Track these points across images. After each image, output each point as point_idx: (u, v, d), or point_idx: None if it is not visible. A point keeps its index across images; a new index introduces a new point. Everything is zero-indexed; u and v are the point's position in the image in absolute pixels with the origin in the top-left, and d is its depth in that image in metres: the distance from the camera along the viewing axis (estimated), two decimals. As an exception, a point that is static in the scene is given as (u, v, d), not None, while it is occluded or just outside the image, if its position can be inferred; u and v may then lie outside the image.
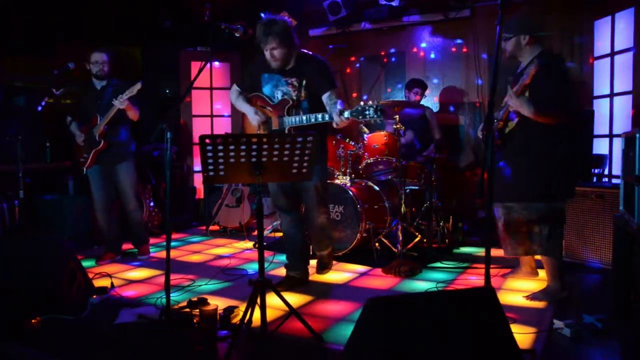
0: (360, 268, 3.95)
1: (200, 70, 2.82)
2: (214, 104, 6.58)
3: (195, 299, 3.01)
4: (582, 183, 3.79)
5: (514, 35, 3.03)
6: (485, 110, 5.19)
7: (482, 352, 1.77)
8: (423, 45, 5.62)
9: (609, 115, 4.50)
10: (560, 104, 2.81)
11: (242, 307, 2.70)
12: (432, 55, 5.58)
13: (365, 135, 4.56)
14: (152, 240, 5.16)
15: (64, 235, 4.64)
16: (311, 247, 3.87)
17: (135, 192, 4.29)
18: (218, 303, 2.80)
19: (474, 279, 3.63)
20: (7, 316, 2.75)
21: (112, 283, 3.48)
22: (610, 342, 2.48)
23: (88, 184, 4.27)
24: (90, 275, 3.43)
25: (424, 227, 4.57)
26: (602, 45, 4.60)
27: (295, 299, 3.17)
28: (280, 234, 5.18)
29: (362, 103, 2.86)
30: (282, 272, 3.61)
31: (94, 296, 3.13)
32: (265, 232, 5.10)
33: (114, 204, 4.32)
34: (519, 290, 3.30)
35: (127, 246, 4.57)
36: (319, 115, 3.06)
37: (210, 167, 2.32)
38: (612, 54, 4.45)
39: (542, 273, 3.57)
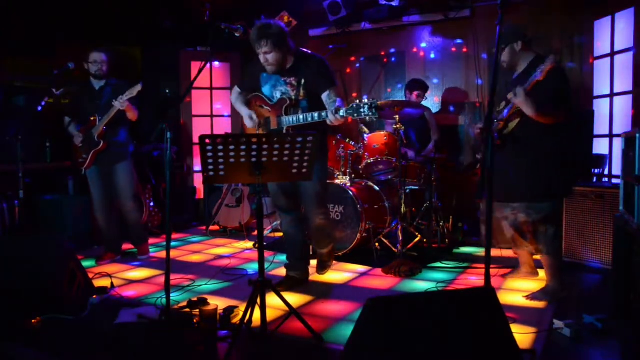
0: (360, 268, 3.95)
1: (200, 70, 2.82)
2: (214, 104, 6.58)
3: (195, 299, 3.01)
4: (582, 183, 3.79)
5: (507, 45, 3.09)
6: (485, 110, 5.19)
7: (482, 352, 1.77)
8: (423, 45, 5.62)
9: (609, 115, 4.50)
10: (560, 105, 2.85)
11: (242, 307, 2.70)
12: (432, 55, 5.58)
13: (365, 135, 4.56)
14: (152, 240, 5.16)
15: (64, 235, 4.64)
16: (311, 247, 3.87)
17: (133, 193, 4.27)
18: (218, 303, 2.81)
19: (474, 279, 3.63)
20: (7, 316, 2.75)
21: (112, 283, 3.48)
22: (610, 342, 2.48)
23: (87, 184, 4.27)
24: (90, 275, 3.42)
25: (424, 227, 4.57)
26: (602, 45, 4.60)
27: (295, 299, 3.17)
28: (281, 234, 5.18)
29: (357, 101, 2.85)
30: (282, 272, 3.61)
31: (94, 296, 3.14)
32: (265, 232, 5.10)
33: (113, 204, 4.31)
34: (519, 290, 3.30)
35: (127, 246, 4.57)
36: (316, 114, 3.05)
37: (210, 167, 2.32)
38: (612, 54, 4.45)
39: (542, 273, 3.57)
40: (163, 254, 4.50)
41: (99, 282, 3.46)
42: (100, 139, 4.06)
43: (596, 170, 4.25)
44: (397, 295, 3.14)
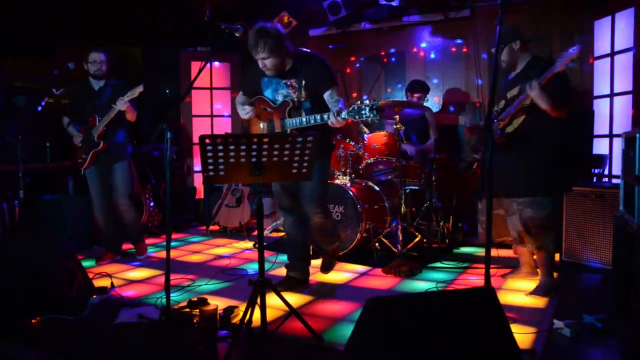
0: (360, 268, 3.95)
1: (200, 70, 2.82)
2: (214, 104, 6.58)
3: (195, 299, 3.01)
4: (582, 183, 3.79)
5: (506, 45, 3.14)
6: (485, 110, 5.19)
7: (482, 352, 1.77)
8: (423, 45, 5.62)
9: (609, 115, 4.50)
10: (567, 99, 2.95)
11: (242, 307, 2.70)
12: (432, 55, 5.58)
13: (365, 135, 4.56)
14: (152, 240, 5.17)
15: (64, 235, 4.64)
16: (312, 247, 3.87)
17: (129, 192, 4.25)
18: (218, 303, 2.81)
19: (474, 279, 3.63)
20: (7, 316, 2.75)
21: (112, 283, 3.48)
22: (610, 342, 2.48)
23: (87, 185, 4.27)
24: (90, 275, 3.42)
25: (424, 227, 4.56)
26: (602, 45, 4.60)
27: (295, 299, 3.17)
28: (281, 234, 5.18)
29: (358, 102, 2.84)
30: (282, 272, 3.61)
31: (94, 296, 3.14)
32: (265, 232, 5.10)
33: (112, 204, 4.30)
34: (519, 290, 3.30)
35: (126, 246, 4.56)
36: (318, 117, 3.05)
37: (210, 167, 2.32)
38: (612, 54, 4.45)
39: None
40: (163, 254, 4.50)
41: (99, 282, 3.46)
42: (99, 139, 4.06)
43: (596, 170, 4.25)
44: (397, 295, 3.15)
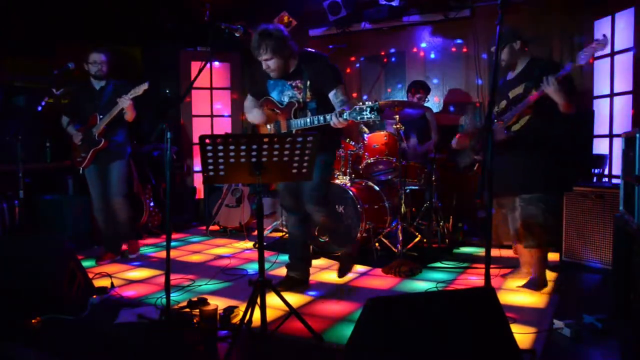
0: (360, 268, 3.95)
1: (200, 70, 2.82)
2: (214, 104, 6.58)
3: (195, 299, 3.01)
4: (582, 183, 3.79)
5: (506, 44, 3.17)
6: (485, 110, 5.19)
7: (482, 352, 1.77)
8: (423, 45, 5.62)
9: (609, 115, 4.50)
10: (576, 95, 3.03)
11: (242, 307, 2.70)
12: (432, 55, 5.58)
13: (365, 135, 4.56)
14: (152, 240, 5.17)
15: (64, 235, 4.64)
16: (312, 247, 3.87)
17: (124, 191, 4.23)
18: (218, 303, 2.81)
19: (474, 279, 3.63)
20: (7, 316, 2.75)
21: (112, 283, 3.48)
22: (610, 342, 2.48)
23: (87, 184, 4.26)
24: (90, 275, 3.42)
25: (424, 227, 4.56)
26: (602, 45, 4.59)
27: (295, 299, 3.17)
28: (281, 234, 5.19)
29: (360, 104, 2.85)
30: (282, 272, 3.61)
31: (94, 296, 3.13)
32: (265, 232, 5.10)
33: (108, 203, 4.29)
34: (519, 290, 3.30)
35: (127, 246, 4.57)
36: (321, 117, 3.06)
37: (210, 167, 2.32)
38: (612, 54, 4.45)
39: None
40: (163, 254, 4.50)
41: (99, 282, 3.46)
42: (100, 137, 4.06)
43: (596, 170, 4.25)
44: (397, 295, 3.15)
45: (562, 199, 3.68)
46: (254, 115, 3.38)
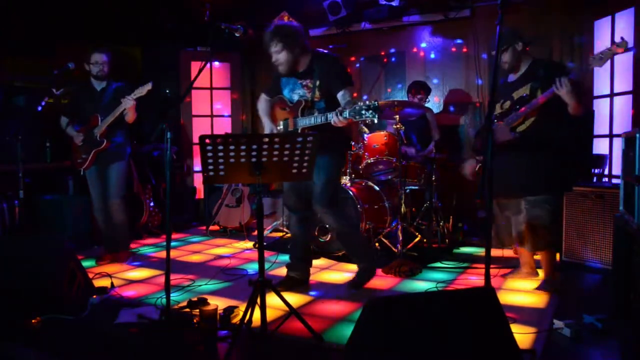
0: (360, 268, 3.94)
1: (200, 70, 2.81)
2: (214, 104, 6.58)
3: (195, 299, 3.01)
4: (582, 183, 3.79)
5: (509, 46, 3.16)
6: (485, 110, 5.19)
7: (482, 352, 1.77)
8: (423, 45, 5.62)
9: (609, 115, 4.50)
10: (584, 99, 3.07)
11: (242, 307, 2.70)
12: (432, 55, 5.58)
13: (365, 135, 4.56)
14: (152, 240, 5.17)
15: (64, 235, 4.64)
16: (312, 247, 3.87)
17: (122, 193, 4.21)
18: (218, 303, 2.81)
19: (474, 279, 3.63)
20: (7, 316, 2.75)
21: (112, 283, 3.48)
22: (610, 342, 2.48)
23: (87, 184, 4.26)
24: (90, 275, 3.42)
25: (424, 227, 4.56)
26: (602, 45, 4.58)
27: (295, 299, 3.17)
28: (281, 234, 5.19)
29: (360, 103, 2.86)
30: (282, 272, 3.61)
31: (94, 296, 3.13)
32: (265, 232, 5.10)
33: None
34: (519, 290, 3.30)
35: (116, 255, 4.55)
36: (323, 116, 3.10)
37: (210, 167, 2.32)
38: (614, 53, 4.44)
39: (542, 273, 3.57)
40: (163, 254, 4.50)
41: (99, 282, 3.46)
42: (102, 138, 4.05)
43: (596, 170, 4.25)
44: (397, 295, 3.15)
45: (563, 200, 3.69)
46: (263, 122, 3.44)
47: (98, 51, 4.10)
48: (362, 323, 1.78)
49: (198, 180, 6.47)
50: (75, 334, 2.69)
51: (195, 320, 2.72)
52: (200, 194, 6.40)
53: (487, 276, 2.10)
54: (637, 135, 2.53)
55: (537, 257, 3.53)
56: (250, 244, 4.91)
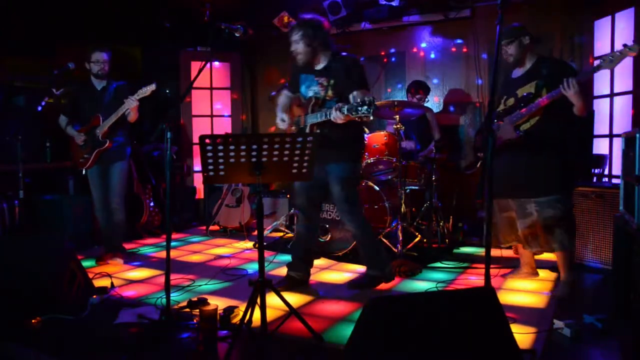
0: (360, 268, 3.94)
1: (200, 70, 2.82)
2: (214, 104, 6.58)
3: (195, 299, 3.01)
4: (582, 183, 3.79)
5: (515, 39, 3.13)
6: (485, 110, 5.19)
7: (482, 352, 1.77)
8: (423, 45, 5.62)
9: (609, 115, 4.50)
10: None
11: (242, 307, 2.70)
12: (432, 55, 5.58)
13: (365, 135, 4.56)
14: (152, 240, 5.17)
15: (64, 235, 4.63)
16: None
17: (123, 193, 4.21)
18: (218, 303, 2.80)
19: (474, 279, 3.63)
20: (7, 316, 2.75)
21: (112, 283, 3.48)
22: (610, 342, 2.48)
23: (88, 184, 4.26)
24: (90, 275, 3.42)
25: (424, 227, 4.56)
26: (602, 45, 4.60)
27: (295, 299, 3.17)
28: (280, 234, 5.19)
29: (358, 100, 2.88)
30: (282, 272, 3.61)
31: (94, 296, 3.13)
32: (265, 232, 5.10)
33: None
34: (519, 290, 3.30)
35: (128, 246, 4.57)
36: (324, 113, 3.12)
37: (210, 167, 2.32)
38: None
39: (542, 273, 3.58)
40: (163, 254, 4.50)
41: (99, 282, 3.46)
42: (104, 138, 4.05)
43: (596, 170, 4.25)
44: (397, 295, 3.15)
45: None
46: (280, 117, 3.45)
47: (99, 50, 4.10)
48: (362, 323, 1.78)
49: (198, 180, 6.47)
50: (75, 334, 2.69)
51: (195, 320, 2.72)
52: (200, 194, 6.41)
53: (487, 276, 2.10)
54: (637, 135, 2.53)
55: (538, 257, 3.54)
56: (250, 244, 4.91)
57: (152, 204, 5.48)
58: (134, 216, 5.14)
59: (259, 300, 2.35)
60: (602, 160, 4.33)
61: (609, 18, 4.47)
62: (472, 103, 5.40)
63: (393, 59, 5.81)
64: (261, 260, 2.43)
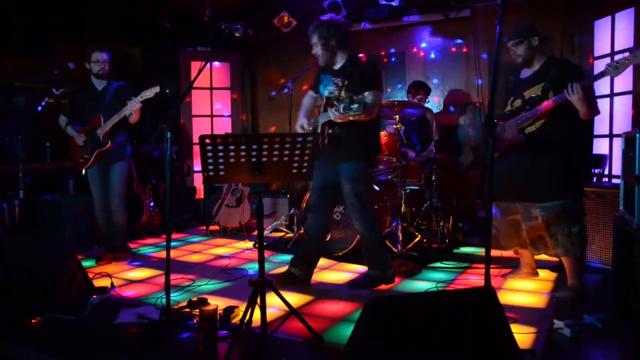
0: (360, 268, 3.94)
1: (200, 70, 2.82)
2: (214, 104, 6.58)
3: (195, 299, 3.01)
4: (582, 183, 3.79)
5: (525, 39, 3.09)
6: (485, 110, 5.19)
7: (482, 352, 1.77)
8: (423, 45, 5.62)
9: (609, 115, 4.50)
10: (596, 103, 3.00)
11: (242, 307, 2.70)
12: (432, 55, 5.58)
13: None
14: (152, 240, 5.17)
15: (64, 235, 4.63)
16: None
17: (123, 193, 4.21)
18: (218, 303, 2.80)
19: (474, 279, 3.63)
20: (7, 316, 2.75)
21: (112, 283, 3.48)
22: (610, 342, 2.48)
23: (88, 184, 4.26)
24: (90, 275, 3.42)
25: (424, 227, 4.56)
26: (602, 45, 4.60)
27: (295, 299, 3.17)
28: (281, 234, 5.19)
29: (354, 97, 2.91)
30: (282, 271, 3.61)
31: (94, 296, 3.13)
32: (265, 232, 5.10)
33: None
34: (519, 290, 3.30)
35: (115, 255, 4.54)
36: (326, 113, 3.17)
37: (210, 167, 2.32)
38: (612, 53, 4.44)
39: (542, 273, 3.58)
40: (163, 254, 4.50)
41: (99, 282, 3.46)
42: (105, 138, 4.04)
43: (596, 170, 4.25)
44: (397, 295, 3.15)
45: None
46: (299, 123, 3.49)
47: (99, 50, 4.10)
48: (362, 323, 1.78)
49: (198, 180, 6.47)
50: (75, 334, 2.69)
51: (195, 320, 2.72)
52: (200, 194, 6.41)
53: (487, 276, 2.10)
54: (637, 135, 2.53)
55: (537, 257, 3.53)
56: (250, 244, 4.91)
57: (152, 204, 5.48)
58: (134, 216, 5.13)
59: (259, 300, 2.35)
60: (602, 160, 4.33)
61: (609, 18, 4.47)
62: (472, 103, 5.40)
63: (393, 59, 5.81)
64: (261, 260, 2.43)
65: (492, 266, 2.45)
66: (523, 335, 2.53)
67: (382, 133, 4.51)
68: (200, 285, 3.54)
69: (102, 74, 4.11)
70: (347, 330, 2.59)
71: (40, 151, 5.27)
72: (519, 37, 3.10)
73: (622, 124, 4.31)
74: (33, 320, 2.72)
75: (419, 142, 5.01)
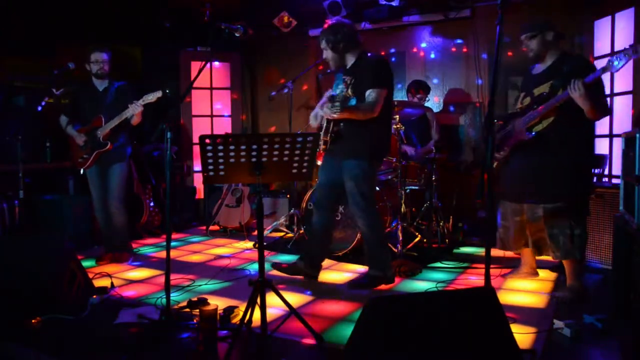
0: (360, 268, 3.94)
1: (200, 70, 2.82)
2: (214, 104, 6.58)
3: (195, 299, 3.01)
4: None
5: (539, 33, 3.05)
6: (485, 110, 5.19)
7: (482, 352, 1.77)
8: (423, 45, 5.62)
9: (609, 115, 4.49)
10: (606, 103, 2.94)
11: (242, 307, 2.70)
12: (432, 55, 5.58)
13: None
14: (152, 240, 5.17)
15: (64, 235, 4.63)
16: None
17: (122, 195, 4.20)
18: (218, 303, 2.80)
19: (474, 279, 3.63)
20: (7, 316, 2.75)
21: (112, 283, 3.48)
22: (610, 342, 2.48)
23: (87, 184, 4.25)
24: (90, 275, 3.42)
25: (424, 227, 4.56)
26: (602, 45, 4.60)
27: (295, 299, 3.17)
28: (281, 234, 5.19)
29: (342, 95, 2.94)
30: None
31: (94, 296, 3.13)
32: (265, 232, 5.10)
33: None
34: (519, 290, 3.30)
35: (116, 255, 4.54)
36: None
37: (210, 167, 2.32)
38: (612, 53, 4.44)
39: (542, 273, 3.58)
40: (163, 254, 4.50)
41: (99, 282, 3.46)
42: (106, 139, 4.04)
43: (596, 170, 4.25)
44: (397, 295, 3.15)
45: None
46: (314, 114, 3.54)
47: (98, 50, 4.09)
48: (362, 323, 1.78)
49: (198, 180, 6.47)
50: (75, 334, 2.69)
51: (195, 320, 2.72)
52: (200, 194, 6.40)
53: (487, 276, 2.10)
54: (637, 135, 2.53)
55: (537, 257, 3.53)
56: (250, 244, 4.91)
57: (152, 204, 5.48)
58: (134, 216, 5.13)
59: (259, 300, 2.35)
60: (602, 160, 4.33)
61: (609, 18, 4.47)
62: (472, 103, 5.40)
63: (393, 59, 5.80)
64: (261, 260, 2.43)
65: (492, 266, 2.45)
66: (523, 335, 2.53)
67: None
68: (200, 285, 3.54)
69: (102, 74, 4.10)
70: (347, 330, 2.60)
71: (40, 151, 5.27)
72: (532, 31, 3.04)
73: (622, 124, 4.31)
74: (33, 320, 2.72)
75: (419, 142, 5.01)
